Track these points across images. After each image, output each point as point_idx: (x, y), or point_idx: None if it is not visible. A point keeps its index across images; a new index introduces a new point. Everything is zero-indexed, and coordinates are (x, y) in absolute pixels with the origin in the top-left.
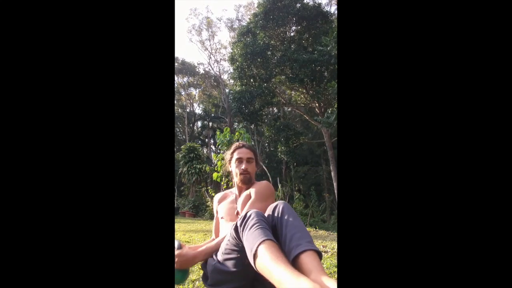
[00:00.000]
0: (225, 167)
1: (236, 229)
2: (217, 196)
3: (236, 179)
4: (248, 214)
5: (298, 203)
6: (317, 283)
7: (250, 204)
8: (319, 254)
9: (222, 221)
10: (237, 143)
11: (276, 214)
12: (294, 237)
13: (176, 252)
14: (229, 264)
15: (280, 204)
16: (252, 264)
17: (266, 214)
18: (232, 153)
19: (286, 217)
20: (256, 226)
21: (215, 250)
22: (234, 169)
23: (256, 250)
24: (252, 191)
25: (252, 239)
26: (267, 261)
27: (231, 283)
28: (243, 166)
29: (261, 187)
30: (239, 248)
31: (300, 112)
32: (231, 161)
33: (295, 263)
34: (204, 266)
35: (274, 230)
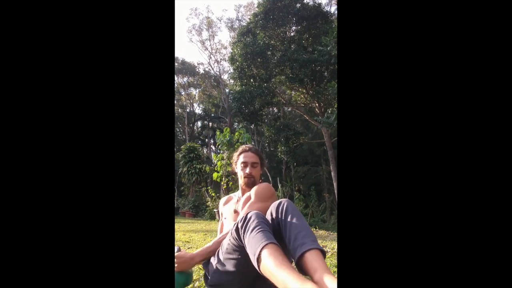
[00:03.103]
0: (231, 168)
1: (237, 230)
2: (223, 199)
3: (240, 181)
4: (248, 216)
5: (298, 203)
6: (321, 286)
7: (249, 205)
8: (323, 252)
9: (225, 222)
10: (244, 146)
11: (279, 212)
12: (299, 236)
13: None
14: (230, 263)
15: (284, 202)
16: (257, 268)
17: (269, 212)
18: (238, 155)
19: (290, 216)
20: (258, 229)
21: (214, 250)
22: (239, 171)
23: (259, 255)
24: (252, 192)
25: (254, 243)
26: (271, 266)
27: (231, 283)
28: (247, 170)
29: (260, 188)
30: (240, 248)
31: (300, 112)
32: (237, 163)
33: (300, 261)
34: (205, 266)
35: (277, 228)
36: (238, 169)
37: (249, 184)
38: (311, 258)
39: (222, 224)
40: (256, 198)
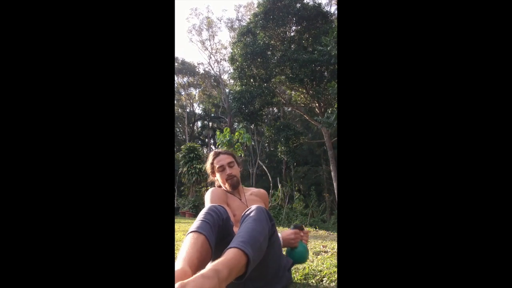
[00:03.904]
0: (210, 179)
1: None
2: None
3: (225, 186)
4: (207, 206)
5: (298, 203)
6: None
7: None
8: (245, 254)
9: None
10: (212, 152)
11: (246, 215)
12: (235, 238)
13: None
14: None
15: (253, 207)
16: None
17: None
18: (212, 163)
19: (248, 218)
20: (198, 219)
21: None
22: (219, 178)
23: (187, 234)
24: (263, 198)
25: (194, 224)
26: (180, 248)
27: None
28: (227, 172)
29: (265, 197)
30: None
31: (300, 112)
32: (214, 170)
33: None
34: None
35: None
36: (218, 176)
37: (235, 185)
38: (225, 254)
39: None
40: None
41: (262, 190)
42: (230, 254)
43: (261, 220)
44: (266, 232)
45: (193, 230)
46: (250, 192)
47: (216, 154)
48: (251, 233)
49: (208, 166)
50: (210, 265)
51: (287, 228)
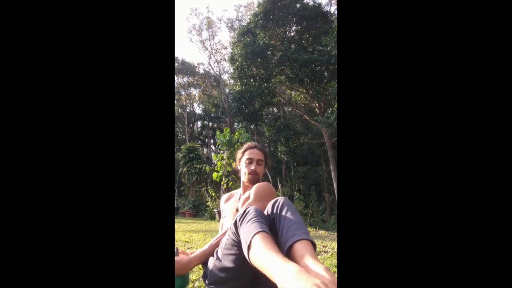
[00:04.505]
0: (234, 165)
1: (235, 224)
2: (224, 197)
3: (244, 178)
4: (247, 210)
5: (298, 203)
6: (307, 269)
7: (247, 204)
8: (313, 244)
9: (225, 220)
10: (250, 143)
11: (275, 208)
12: (291, 228)
13: None
14: (228, 259)
15: (280, 199)
16: (247, 257)
17: (266, 210)
18: (243, 152)
19: (284, 210)
20: (253, 220)
21: (210, 252)
22: (243, 168)
23: (250, 242)
24: (251, 191)
25: (247, 232)
26: (259, 251)
27: (230, 281)
28: (252, 167)
29: (259, 188)
30: (238, 244)
31: (300, 112)
32: (241, 160)
33: (289, 252)
34: (204, 265)
35: (272, 224)
36: (242, 165)
37: (253, 181)
38: (300, 247)
39: (223, 223)
40: (255, 197)
41: (261, 183)
42: (308, 246)
43: (295, 210)
44: None
45: (262, 230)
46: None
47: (251, 147)
48: (303, 223)
49: (238, 153)
50: (310, 259)
51: None
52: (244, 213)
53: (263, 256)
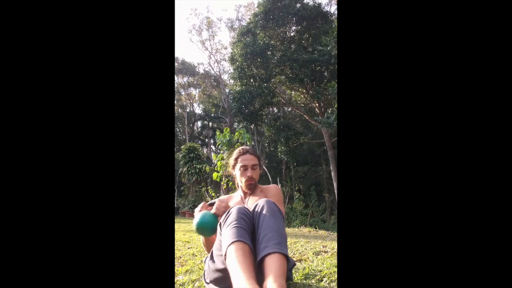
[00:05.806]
0: (228, 171)
1: (220, 225)
2: (222, 198)
3: (241, 184)
4: (230, 211)
5: (298, 203)
6: None
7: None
8: (285, 256)
9: None
10: (240, 149)
11: (255, 212)
12: (265, 238)
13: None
14: (219, 260)
15: (260, 202)
16: (225, 263)
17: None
18: (236, 159)
19: (263, 215)
20: (233, 225)
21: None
22: (238, 176)
23: (226, 251)
24: (270, 195)
25: (225, 238)
26: (230, 263)
27: (222, 281)
28: (248, 174)
29: (276, 191)
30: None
31: (300, 112)
32: (235, 167)
33: (260, 265)
34: (205, 263)
35: (256, 227)
36: (237, 173)
37: (252, 188)
38: (268, 263)
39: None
40: (276, 201)
41: (272, 186)
42: (276, 261)
43: (276, 213)
44: (284, 224)
45: (237, 239)
46: (261, 189)
47: (243, 152)
48: (278, 230)
49: (231, 160)
50: (271, 279)
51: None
52: (227, 214)
53: (231, 270)
